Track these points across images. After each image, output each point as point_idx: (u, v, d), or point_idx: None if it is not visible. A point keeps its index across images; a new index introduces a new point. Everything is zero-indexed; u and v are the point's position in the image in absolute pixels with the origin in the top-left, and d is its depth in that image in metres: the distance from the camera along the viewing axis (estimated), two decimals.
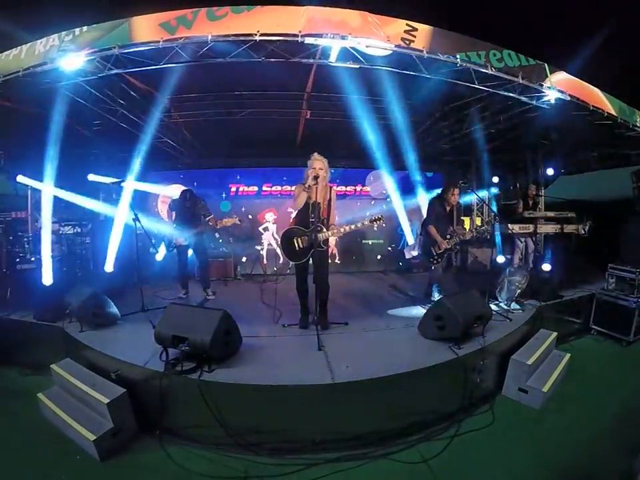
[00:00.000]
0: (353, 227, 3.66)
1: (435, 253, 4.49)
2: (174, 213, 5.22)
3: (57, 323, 3.75)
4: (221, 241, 7.32)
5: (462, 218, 4.74)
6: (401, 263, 7.66)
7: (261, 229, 7.52)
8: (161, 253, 5.85)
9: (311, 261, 3.66)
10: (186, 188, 5.30)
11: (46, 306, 3.94)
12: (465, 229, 4.78)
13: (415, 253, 7.14)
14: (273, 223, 7.55)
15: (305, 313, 3.90)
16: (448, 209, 4.67)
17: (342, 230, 3.67)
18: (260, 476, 2.37)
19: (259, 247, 7.50)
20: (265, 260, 7.44)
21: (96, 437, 2.48)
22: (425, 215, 4.91)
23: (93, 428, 2.56)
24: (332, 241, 7.11)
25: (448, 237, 4.51)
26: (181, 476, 2.38)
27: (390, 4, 3.62)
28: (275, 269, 7.31)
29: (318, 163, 3.58)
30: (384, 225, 3.63)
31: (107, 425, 2.58)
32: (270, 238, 7.49)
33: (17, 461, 2.49)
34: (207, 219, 5.00)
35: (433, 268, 4.62)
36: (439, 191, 4.97)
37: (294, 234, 3.67)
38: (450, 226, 4.64)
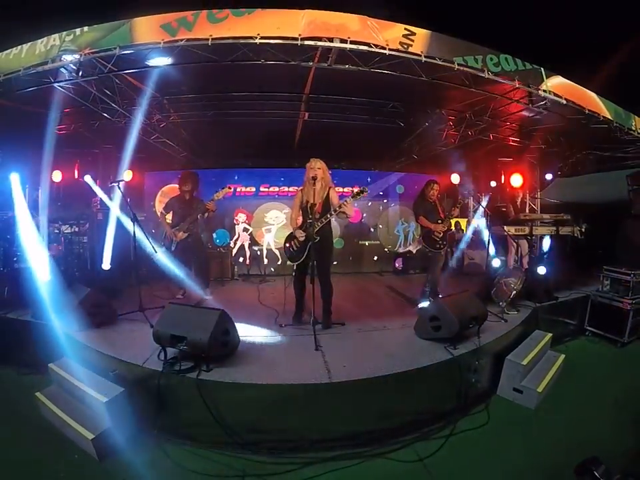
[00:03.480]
0: (338, 208, 3.62)
1: (437, 239, 4.78)
2: (170, 213, 5.20)
3: (54, 321, 3.74)
4: (218, 240, 7.35)
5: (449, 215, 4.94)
6: (397, 264, 7.70)
7: (263, 229, 7.53)
8: (159, 254, 5.85)
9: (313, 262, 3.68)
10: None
11: (44, 305, 3.94)
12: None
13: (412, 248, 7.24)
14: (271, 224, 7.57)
15: (299, 309, 3.99)
16: (432, 201, 4.93)
17: (329, 215, 3.68)
18: (258, 474, 2.39)
19: (256, 248, 7.51)
20: (265, 260, 7.46)
21: (94, 436, 2.49)
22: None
23: (91, 427, 2.56)
24: None
25: (439, 221, 4.83)
26: (179, 475, 2.39)
27: (389, 8, 3.64)
28: (272, 269, 7.34)
29: (316, 163, 3.69)
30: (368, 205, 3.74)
31: (105, 423, 2.59)
32: (270, 239, 7.51)
33: (15, 460, 2.49)
34: (206, 205, 4.93)
35: (435, 260, 4.87)
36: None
37: (291, 237, 3.89)
38: (438, 215, 4.89)
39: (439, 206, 4.97)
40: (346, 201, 3.62)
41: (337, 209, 3.61)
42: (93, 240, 6.19)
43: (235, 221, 7.56)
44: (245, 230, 7.52)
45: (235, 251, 7.43)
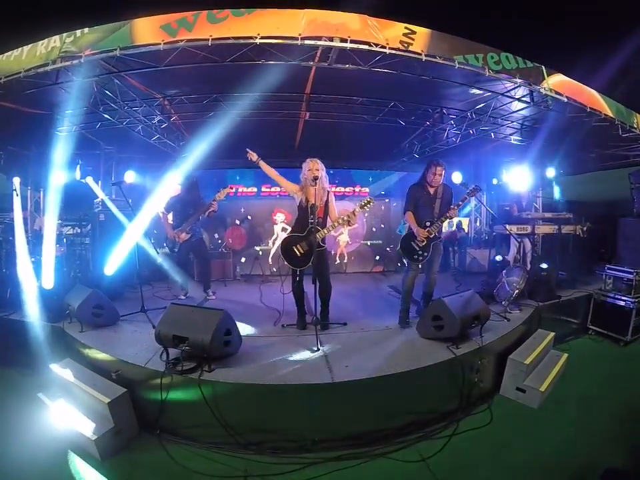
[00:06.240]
0: (345, 217, 3.64)
1: (417, 248, 3.83)
2: (171, 213, 5.20)
3: (57, 323, 3.76)
4: (220, 241, 7.35)
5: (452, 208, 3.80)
6: (400, 264, 7.69)
7: (278, 229, 7.52)
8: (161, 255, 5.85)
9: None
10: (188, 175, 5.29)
11: (46, 306, 3.95)
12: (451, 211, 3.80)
13: None
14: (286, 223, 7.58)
15: (302, 314, 3.93)
16: (432, 191, 3.90)
17: (336, 224, 3.71)
18: (260, 475, 2.39)
19: (258, 248, 7.51)
20: (269, 260, 7.46)
21: (97, 437, 2.50)
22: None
23: (94, 427, 2.58)
24: (342, 243, 7.34)
25: (428, 224, 3.83)
26: (182, 475, 2.39)
27: (389, 7, 3.63)
28: (275, 269, 7.33)
29: (315, 165, 3.68)
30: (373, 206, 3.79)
31: (107, 424, 2.60)
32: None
33: (18, 461, 2.49)
34: (208, 205, 4.93)
35: (410, 270, 3.93)
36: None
37: (293, 242, 3.71)
38: (433, 211, 3.87)
39: (439, 200, 3.88)
40: (354, 212, 3.65)
41: (346, 218, 3.64)
42: (94, 241, 6.18)
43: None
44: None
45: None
